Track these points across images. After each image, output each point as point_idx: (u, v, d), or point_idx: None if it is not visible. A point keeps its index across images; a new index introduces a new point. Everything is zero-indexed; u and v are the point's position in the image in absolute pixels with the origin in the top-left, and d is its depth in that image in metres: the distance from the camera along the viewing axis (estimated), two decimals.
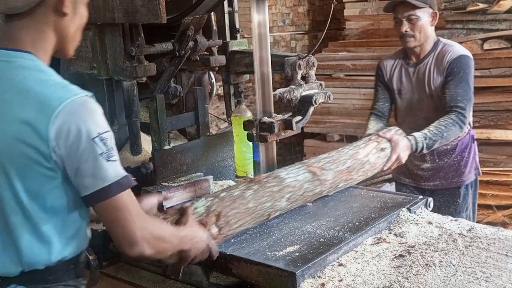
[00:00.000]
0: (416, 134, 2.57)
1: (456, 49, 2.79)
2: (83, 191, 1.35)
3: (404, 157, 2.49)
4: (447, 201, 2.90)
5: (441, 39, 2.88)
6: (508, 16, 4.57)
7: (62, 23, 1.39)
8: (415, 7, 2.73)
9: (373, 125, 2.88)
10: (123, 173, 1.37)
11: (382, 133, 2.51)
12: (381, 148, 2.40)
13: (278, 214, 2.00)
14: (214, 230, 1.76)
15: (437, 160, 2.89)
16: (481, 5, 4.56)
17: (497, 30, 4.58)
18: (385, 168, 2.47)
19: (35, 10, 1.34)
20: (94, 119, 1.33)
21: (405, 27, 2.76)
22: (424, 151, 2.59)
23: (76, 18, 1.43)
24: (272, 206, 1.93)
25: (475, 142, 2.98)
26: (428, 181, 2.94)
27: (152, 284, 2.06)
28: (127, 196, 1.38)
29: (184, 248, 1.53)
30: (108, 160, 1.33)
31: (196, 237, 1.59)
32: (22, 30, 1.36)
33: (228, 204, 1.81)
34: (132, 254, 1.38)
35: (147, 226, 1.40)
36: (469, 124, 2.82)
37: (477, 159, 2.97)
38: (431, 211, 2.18)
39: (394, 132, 2.53)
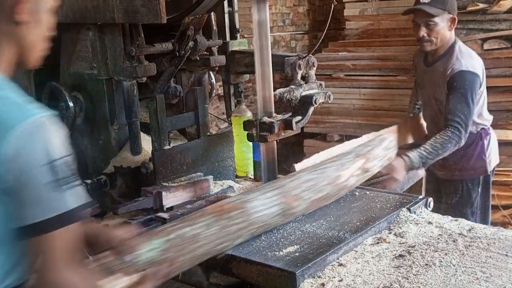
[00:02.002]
0: (412, 154, 2.64)
1: (461, 63, 2.78)
2: (21, 221, 1.22)
3: (400, 177, 2.60)
4: (451, 192, 3.02)
5: (456, 45, 2.88)
6: (508, 16, 4.56)
7: (17, 31, 1.30)
8: (433, 14, 2.78)
9: (413, 104, 3.26)
10: (71, 205, 1.23)
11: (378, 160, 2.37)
12: (366, 169, 2.25)
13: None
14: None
15: None
16: (481, 5, 4.55)
17: (497, 30, 4.57)
18: (381, 188, 2.53)
19: None
20: (48, 144, 1.21)
21: (423, 32, 2.83)
22: (421, 168, 2.75)
23: (37, 26, 1.33)
24: (223, 247, 1.75)
25: (486, 141, 2.99)
26: (438, 170, 3.07)
27: None
28: (64, 233, 1.23)
29: None
30: (55, 191, 1.21)
31: None
32: None
33: (180, 249, 1.61)
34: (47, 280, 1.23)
35: (72, 277, 1.25)
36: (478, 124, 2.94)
37: (486, 158, 2.98)
38: (431, 210, 2.20)
39: (387, 143, 2.42)
